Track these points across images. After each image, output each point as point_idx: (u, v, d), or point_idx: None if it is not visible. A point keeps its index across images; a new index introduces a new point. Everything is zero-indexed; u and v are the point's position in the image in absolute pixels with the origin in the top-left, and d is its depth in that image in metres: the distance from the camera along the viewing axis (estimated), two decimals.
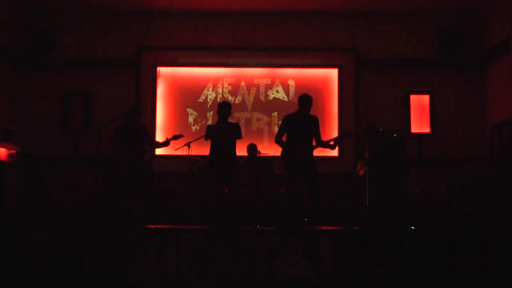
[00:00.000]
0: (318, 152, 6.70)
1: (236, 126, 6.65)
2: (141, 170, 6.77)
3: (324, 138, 6.85)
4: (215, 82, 9.90)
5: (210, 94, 9.86)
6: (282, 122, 6.62)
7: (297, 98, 6.84)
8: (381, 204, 6.78)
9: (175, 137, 6.82)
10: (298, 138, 6.43)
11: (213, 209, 6.15)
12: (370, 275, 4.57)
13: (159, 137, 9.52)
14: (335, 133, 9.55)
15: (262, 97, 9.86)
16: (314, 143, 6.50)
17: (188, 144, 7.60)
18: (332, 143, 6.46)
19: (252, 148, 8.49)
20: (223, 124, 6.59)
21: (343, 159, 9.62)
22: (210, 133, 6.64)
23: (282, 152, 6.54)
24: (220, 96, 9.79)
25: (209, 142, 6.74)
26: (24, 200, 7.80)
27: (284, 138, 6.63)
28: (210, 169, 6.53)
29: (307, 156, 6.40)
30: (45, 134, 8.69)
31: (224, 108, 6.67)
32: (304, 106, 6.47)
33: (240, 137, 6.58)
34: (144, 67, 9.83)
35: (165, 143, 6.80)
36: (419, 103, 9.82)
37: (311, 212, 5.87)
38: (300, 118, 6.51)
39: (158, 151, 9.48)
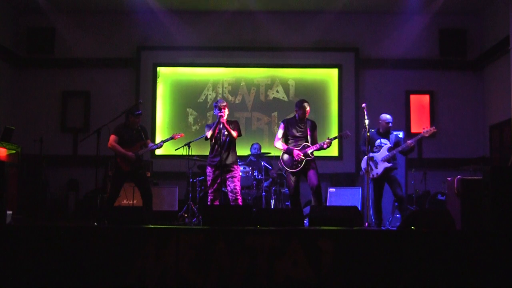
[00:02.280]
0: (318, 151, 6.70)
1: (236, 124, 6.64)
2: (143, 170, 6.78)
3: (323, 138, 6.84)
4: (215, 82, 9.90)
5: (210, 94, 9.86)
6: (280, 126, 6.66)
7: (297, 98, 6.86)
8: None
9: (166, 140, 6.85)
10: (297, 142, 6.47)
11: (212, 208, 6.13)
12: (370, 275, 4.56)
13: (159, 137, 9.53)
14: (335, 133, 9.55)
15: (262, 97, 9.86)
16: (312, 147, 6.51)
17: (188, 144, 7.59)
18: (325, 145, 6.44)
19: (255, 148, 8.51)
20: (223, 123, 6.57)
21: (343, 159, 9.63)
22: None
23: (282, 155, 6.58)
24: (220, 96, 9.79)
25: (209, 142, 6.74)
26: (24, 200, 7.80)
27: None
28: (210, 168, 6.52)
29: (307, 156, 6.42)
30: (45, 134, 8.69)
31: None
32: (302, 112, 6.51)
33: (240, 134, 6.58)
34: (144, 67, 9.83)
35: (158, 145, 6.80)
36: (419, 103, 9.83)
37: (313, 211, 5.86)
38: (298, 122, 6.56)
39: (158, 151, 9.48)
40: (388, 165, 6.61)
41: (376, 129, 6.86)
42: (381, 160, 6.64)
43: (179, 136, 7.00)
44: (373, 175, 6.71)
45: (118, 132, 6.57)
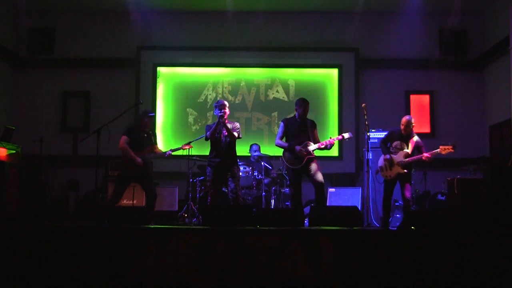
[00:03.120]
0: (318, 152, 6.70)
1: (236, 126, 6.63)
2: (150, 171, 6.79)
3: (324, 138, 6.86)
4: (215, 82, 9.90)
5: (210, 94, 9.85)
6: (281, 125, 6.67)
7: (297, 98, 6.87)
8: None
9: (175, 149, 6.84)
10: (297, 141, 6.48)
11: (212, 208, 6.14)
12: (370, 275, 4.57)
13: (159, 137, 9.51)
14: (335, 133, 9.56)
15: (262, 97, 9.86)
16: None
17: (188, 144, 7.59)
18: (329, 145, 6.46)
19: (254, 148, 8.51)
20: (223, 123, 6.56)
21: (343, 159, 9.62)
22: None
23: (284, 153, 6.58)
24: (220, 96, 9.79)
25: (209, 142, 6.74)
26: (24, 200, 7.79)
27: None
28: (211, 168, 6.52)
29: (310, 154, 6.44)
30: (45, 134, 8.70)
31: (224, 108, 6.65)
32: (302, 110, 6.52)
33: (239, 137, 6.58)
34: (144, 67, 9.82)
35: (167, 154, 6.78)
36: (419, 103, 9.82)
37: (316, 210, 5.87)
38: (298, 122, 6.57)
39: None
40: (402, 171, 6.59)
41: (399, 130, 6.80)
42: (397, 165, 6.62)
43: (187, 147, 6.96)
44: (386, 176, 6.73)
45: (129, 133, 6.56)
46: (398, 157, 6.66)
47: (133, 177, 6.59)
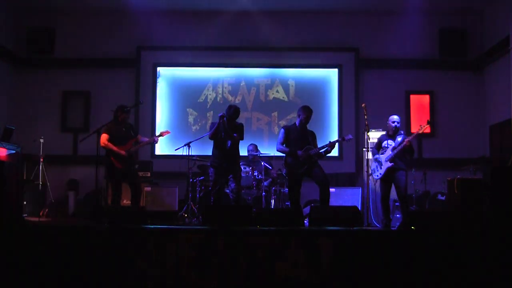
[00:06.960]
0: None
1: (241, 127, 6.63)
2: (134, 167, 6.91)
3: (324, 139, 6.89)
4: (215, 82, 9.90)
5: (210, 94, 9.85)
6: (281, 132, 6.71)
7: (297, 98, 6.88)
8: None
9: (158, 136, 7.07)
10: (298, 147, 6.51)
11: (212, 208, 6.14)
12: (370, 275, 4.57)
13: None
14: (334, 133, 9.56)
15: (262, 97, 9.85)
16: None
17: (188, 144, 7.60)
18: (329, 147, 6.51)
19: (252, 149, 8.51)
20: (229, 124, 6.55)
21: (343, 159, 9.62)
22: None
23: (286, 158, 6.60)
24: (220, 96, 9.79)
25: (208, 142, 6.75)
26: (24, 200, 7.79)
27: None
28: (213, 169, 6.54)
29: (312, 158, 6.46)
30: (45, 134, 8.70)
31: (235, 112, 6.63)
32: (304, 117, 6.54)
33: (241, 138, 6.59)
34: (144, 67, 9.82)
35: (153, 140, 7.06)
36: (419, 103, 9.83)
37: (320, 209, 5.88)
38: (298, 129, 6.59)
39: (158, 152, 9.49)
40: (390, 164, 6.59)
41: (386, 131, 6.85)
42: (385, 161, 6.64)
43: (165, 134, 7.15)
44: (377, 176, 6.75)
45: (109, 130, 6.64)
46: (386, 153, 6.69)
47: (120, 172, 6.65)
